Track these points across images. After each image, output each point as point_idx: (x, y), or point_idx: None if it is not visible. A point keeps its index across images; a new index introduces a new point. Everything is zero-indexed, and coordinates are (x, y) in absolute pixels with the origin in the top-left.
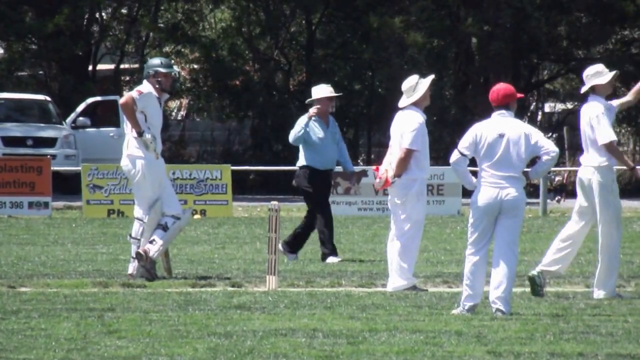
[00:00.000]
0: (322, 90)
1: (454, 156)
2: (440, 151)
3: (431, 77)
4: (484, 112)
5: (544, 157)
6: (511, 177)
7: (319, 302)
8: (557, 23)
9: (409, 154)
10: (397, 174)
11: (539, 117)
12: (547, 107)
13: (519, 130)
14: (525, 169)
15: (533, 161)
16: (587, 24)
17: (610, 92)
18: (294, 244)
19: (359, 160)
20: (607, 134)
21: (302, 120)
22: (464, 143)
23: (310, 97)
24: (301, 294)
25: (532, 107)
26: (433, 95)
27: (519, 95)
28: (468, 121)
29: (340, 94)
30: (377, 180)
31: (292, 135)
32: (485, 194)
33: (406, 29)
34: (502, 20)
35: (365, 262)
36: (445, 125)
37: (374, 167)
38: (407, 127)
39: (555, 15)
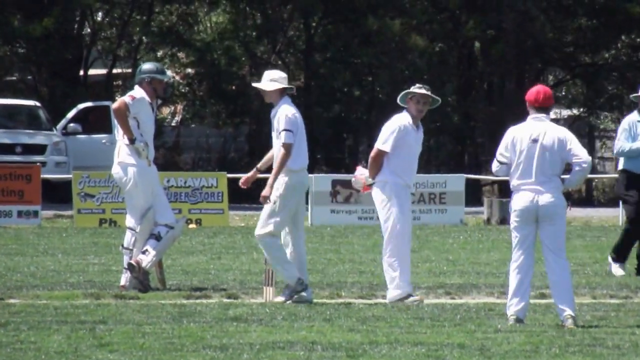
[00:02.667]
0: None
1: (494, 166)
2: (442, 158)
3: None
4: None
5: (575, 168)
6: (546, 183)
7: (317, 314)
8: (562, 27)
9: (377, 155)
10: (370, 175)
11: None
12: (553, 114)
13: (553, 135)
14: (564, 176)
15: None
16: (593, 28)
17: None
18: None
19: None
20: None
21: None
22: (501, 149)
23: None
24: (299, 306)
25: None
26: (434, 101)
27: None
28: (470, 128)
29: None
30: (353, 179)
31: (624, 152)
32: (521, 199)
33: (407, 32)
34: (505, 24)
35: (366, 273)
36: (447, 132)
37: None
38: (385, 127)
39: (560, 19)
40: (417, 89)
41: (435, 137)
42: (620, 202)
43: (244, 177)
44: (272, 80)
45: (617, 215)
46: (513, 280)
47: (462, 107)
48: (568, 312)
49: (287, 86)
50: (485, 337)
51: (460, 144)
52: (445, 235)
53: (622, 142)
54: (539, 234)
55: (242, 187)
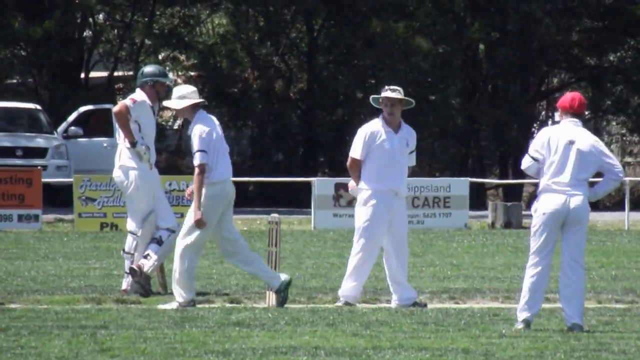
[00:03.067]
0: None
1: (525, 162)
2: (445, 162)
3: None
4: (491, 121)
5: (610, 177)
6: (577, 187)
7: (320, 319)
8: (568, 29)
9: (351, 163)
10: (355, 182)
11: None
12: (558, 116)
13: (589, 141)
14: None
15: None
16: (599, 30)
17: None
18: None
19: None
20: None
21: None
22: (535, 146)
23: None
24: (302, 311)
25: (541, 117)
26: (438, 104)
27: None
28: (475, 131)
29: None
30: (350, 188)
31: None
32: (551, 201)
33: (410, 34)
34: (510, 26)
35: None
36: (450, 135)
37: None
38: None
39: (565, 22)
40: (384, 91)
41: (439, 140)
42: None
43: (189, 189)
44: (181, 97)
45: (623, 219)
46: (528, 285)
47: (466, 110)
48: (576, 321)
49: (197, 101)
50: (489, 342)
51: (464, 147)
52: (449, 239)
53: None
54: (561, 239)
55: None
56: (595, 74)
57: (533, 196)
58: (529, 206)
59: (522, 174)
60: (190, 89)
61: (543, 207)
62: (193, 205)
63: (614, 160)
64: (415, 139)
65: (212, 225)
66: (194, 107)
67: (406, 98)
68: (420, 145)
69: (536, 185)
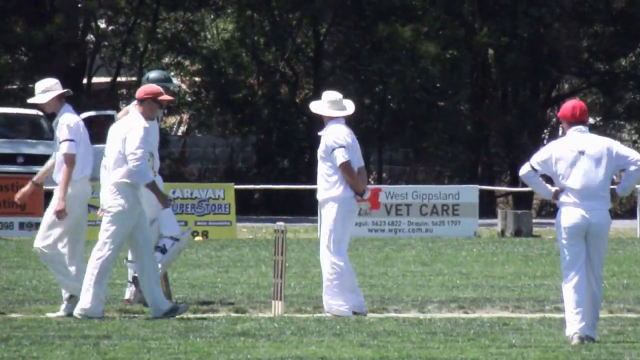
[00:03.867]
0: None
1: (524, 169)
2: (454, 169)
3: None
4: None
5: (631, 167)
6: (596, 197)
7: (327, 329)
8: (578, 34)
9: (348, 168)
10: (360, 189)
11: (560, 133)
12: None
13: (600, 145)
14: (612, 186)
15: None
16: (610, 35)
17: None
18: None
19: (370, 179)
20: None
21: None
22: (538, 158)
23: None
24: (309, 320)
25: (552, 122)
26: (447, 110)
27: None
28: (484, 138)
29: None
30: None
31: None
32: (570, 215)
33: (418, 39)
34: (520, 31)
35: (377, 286)
36: (459, 142)
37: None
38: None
39: (576, 27)
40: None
41: (448, 146)
42: None
43: (20, 192)
44: (45, 90)
45: (635, 227)
46: (570, 299)
47: (476, 116)
48: (589, 333)
49: (61, 91)
50: (499, 353)
51: (473, 154)
52: (458, 247)
53: None
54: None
55: (18, 202)
56: (606, 79)
57: (543, 204)
58: (539, 214)
59: None
60: (53, 81)
61: (564, 221)
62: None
63: (629, 152)
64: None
65: (72, 224)
66: (60, 99)
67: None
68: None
69: None
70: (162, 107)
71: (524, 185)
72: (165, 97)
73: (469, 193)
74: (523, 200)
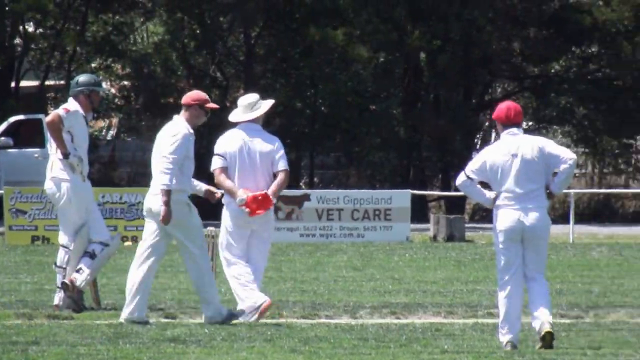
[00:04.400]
0: None
1: (460, 179)
2: (387, 174)
3: (272, 102)
4: (434, 131)
5: (562, 166)
6: (532, 199)
7: (258, 335)
8: (511, 38)
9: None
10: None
11: (493, 137)
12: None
13: (533, 146)
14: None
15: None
16: (543, 38)
17: None
18: None
19: (301, 183)
20: None
21: None
22: (473, 166)
23: None
24: (240, 326)
25: (485, 126)
26: (379, 114)
27: None
28: (416, 142)
29: None
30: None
31: None
32: (506, 218)
33: (350, 42)
34: (452, 34)
35: (308, 292)
36: (391, 146)
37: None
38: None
39: (508, 30)
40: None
41: (380, 151)
42: None
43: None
44: None
45: (567, 232)
46: (504, 306)
47: (408, 120)
48: (546, 321)
49: None
50: (431, 358)
51: (405, 158)
52: (390, 252)
53: None
54: (522, 254)
55: None
56: (539, 83)
57: (476, 209)
58: (472, 219)
59: None
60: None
61: (500, 224)
62: None
63: (560, 151)
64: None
65: None
66: None
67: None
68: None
69: None
70: (207, 115)
71: (457, 190)
72: (212, 104)
73: (401, 198)
74: (455, 205)
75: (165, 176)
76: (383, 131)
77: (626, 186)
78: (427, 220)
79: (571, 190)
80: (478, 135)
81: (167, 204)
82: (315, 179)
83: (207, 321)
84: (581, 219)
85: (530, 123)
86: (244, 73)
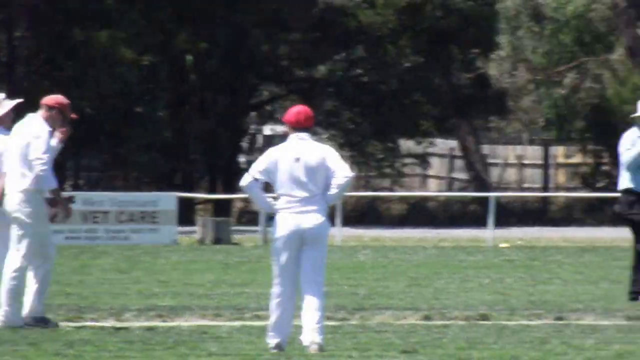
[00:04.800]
0: None
1: (245, 180)
2: (153, 176)
3: (15, 102)
4: (201, 134)
5: (338, 181)
6: (312, 203)
7: (21, 338)
8: (277, 41)
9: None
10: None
11: (260, 140)
12: (268, 130)
13: (317, 153)
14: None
15: None
16: (309, 42)
17: None
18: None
19: (65, 185)
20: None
21: (638, 144)
22: (258, 167)
23: None
24: (3, 329)
25: (252, 129)
26: (145, 116)
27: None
28: (183, 144)
29: None
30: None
31: (631, 162)
32: (285, 223)
33: (115, 44)
34: (219, 37)
35: (73, 295)
36: (157, 148)
37: None
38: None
39: (275, 34)
40: None
41: (146, 153)
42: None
43: None
44: None
45: (335, 235)
46: (275, 309)
47: (174, 123)
48: (317, 339)
49: None
50: None
51: (172, 161)
52: (156, 255)
53: (628, 152)
54: (300, 258)
55: None
56: (305, 86)
57: (243, 212)
58: (239, 221)
59: (232, 189)
60: None
61: (279, 229)
62: None
63: (339, 165)
64: None
65: None
66: None
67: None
68: (127, 158)
69: (246, 200)
70: (65, 121)
71: (224, 193)
72: (72, 114)
73: (167, 200)
74: (223, 208)
75: (48, 177)
76: (149, 133)
77: (391, 190)
78: (194, 223)
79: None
80: (245, 138)
81: (59, 202)
82: (80, 181)
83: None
84: (348, 221)
85: None
86: (7, 75)
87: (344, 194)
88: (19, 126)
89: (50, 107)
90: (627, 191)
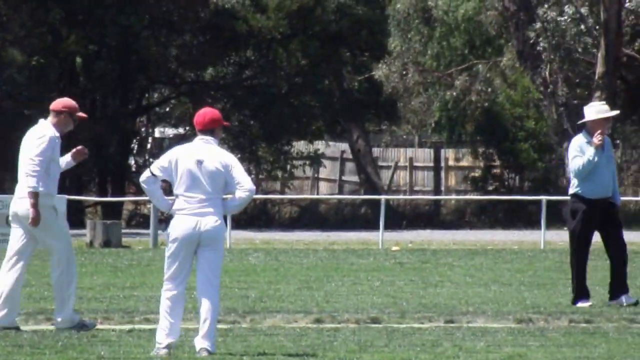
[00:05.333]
0: (597, 111)
1: (144, 175)
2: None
3: None
4: (90, 137)
5: (239, 194)
6: (209, 206)
7: None
8: (167, 44)
9: None
10: None
11: (150, 143)
12: (158, 132)
13: (219, 159)
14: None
15: None
16: (199, 44)
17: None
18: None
19: None
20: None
21: (588, 151)
22: (158, 164)
23: None
24: None
25: (142, 132)
26: (34, 118)
27: (226, 123)
28: (72, 146)
29: (618, 112)
30: None
31: (580, 169)
32: (183, 224)
33: (3, 46)
34: (108, 39)
35: None
36: None
37: None
38: None
39: (165, 36)
40: None
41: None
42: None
43: None
44: None
45: (225, 238)
46: (165, 312)
47: None
48: (205, 345)
49: None
50: None
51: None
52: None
53: (576, 160)
54: (195, 260)
55: None
56: (195, 89)
57: (132, 214)
58: (129, 224)
59: (121, 192)
60: None
61: (175, 231)
62: None
63: (242, 178)
64: None
65: None
66: None
67: None
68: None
69: (136, 203)
70: (76, 123)
71: (113, 195)
72: (82, 114)
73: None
74: (112, 211)
75: (32, 179)
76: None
77: (282, 192)
78: (83, 226)
79: (228, 196)
80: (135, 140)
81: (34, 206)
82: None
83: (58, 325)
84: (238, 224)
85: (187, 129)
86: None
87: (244, 206)
88: (31, 131)
89: (58, 112)
90: (574, 196)
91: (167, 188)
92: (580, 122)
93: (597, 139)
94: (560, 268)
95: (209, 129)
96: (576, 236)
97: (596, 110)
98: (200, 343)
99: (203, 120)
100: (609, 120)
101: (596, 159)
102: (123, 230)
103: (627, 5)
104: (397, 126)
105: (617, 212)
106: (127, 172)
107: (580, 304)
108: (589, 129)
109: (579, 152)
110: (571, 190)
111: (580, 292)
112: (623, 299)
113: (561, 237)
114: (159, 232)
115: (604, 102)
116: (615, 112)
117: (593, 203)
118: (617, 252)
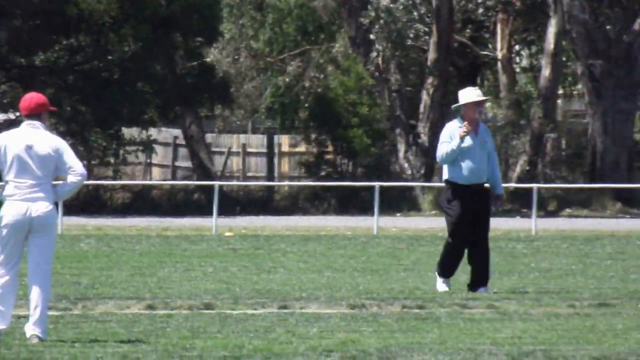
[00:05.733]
0: (468, 95)
1: None
2: None
3: None
4: None
5: (71, 179)
6: (40, 192)
7: None
8: None
9: None
10: None
11: None
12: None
13: (49, 143)
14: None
15: None
16: (29, 29)
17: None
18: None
19: None
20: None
21: (454, 139)
22: None
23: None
24: None
25: None
26: None
27: (52, 108)
28: None
29: (489, 97)
30: None
31: (444, 156)
32: (13, 210)
33: None
34: None
35: None
36: None
37: None
38: None
39: None
40: None
41: None
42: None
43: None
44: None
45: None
46: None
47: None
48: (37, 332)
49: None
50: None
51: None
52: None
53: (442, 146)
54: (27, 246)
55: None
56: (26, 74)
57: None
58: None
59: None
60: None
61: (6, 216)
62: None
63: (73, 162)
64: None
65: None
66: None
67: None
68: None
69: None
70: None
71: None
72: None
73: None
74: None
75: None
76: None
77: (114, 178)
78: None
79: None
80: None
81: None
82: None
83: None
84: (70, 210)
85: (17, 114)
86: None
87: (76, 191)
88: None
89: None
90: (447, 182)
91: None
92: (454, 106)
93: (462, 130)
94: (392, 254)
95: (35, 114)
96: (451, 222)
97: (467, 94)
98: (31, 330)
99: (29, 105)
100: (480, 105)
101: (465, 144)
102: None
103: None
104: (230, 110)
105: (489, 200)
106: None
107: (439, 287)
108: (462, 114)
109: (448, 138)
110: (444, 176)
111: (448, 273)
112: (482, 290)
113: (394, 223)
114: None
115: (477, 87)
116: (486, 98)
117: (465, 188)
118: (479, 242)
